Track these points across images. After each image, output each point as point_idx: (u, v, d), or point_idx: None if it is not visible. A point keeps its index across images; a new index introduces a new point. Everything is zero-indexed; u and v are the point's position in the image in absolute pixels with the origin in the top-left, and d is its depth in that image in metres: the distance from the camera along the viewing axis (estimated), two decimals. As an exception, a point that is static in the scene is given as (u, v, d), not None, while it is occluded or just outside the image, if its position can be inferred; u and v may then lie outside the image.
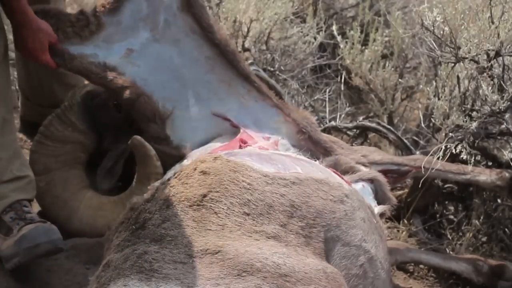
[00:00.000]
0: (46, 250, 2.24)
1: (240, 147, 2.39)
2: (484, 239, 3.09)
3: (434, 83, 3.08)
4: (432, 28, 2.84)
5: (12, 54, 2.85)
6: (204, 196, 1.91)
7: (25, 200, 2.38)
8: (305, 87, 4.05)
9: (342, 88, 4.04)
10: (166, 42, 2.60)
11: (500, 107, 2.71)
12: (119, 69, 2.54)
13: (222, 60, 2.59)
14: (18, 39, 2.41)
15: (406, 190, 3.21)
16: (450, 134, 2.83)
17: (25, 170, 2.42)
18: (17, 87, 3.09)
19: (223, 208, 1.88)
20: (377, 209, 2.43)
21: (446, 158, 2.78)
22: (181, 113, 2.59)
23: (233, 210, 1.89)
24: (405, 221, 3.14)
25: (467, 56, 2.75)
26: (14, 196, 2.35)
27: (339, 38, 3.88)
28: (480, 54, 2.73)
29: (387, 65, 3.72)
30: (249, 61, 3.63)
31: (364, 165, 2.62)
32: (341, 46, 3.85)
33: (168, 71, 2.60)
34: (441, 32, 2.84)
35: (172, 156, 2.53)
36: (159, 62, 2.60)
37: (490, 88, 2.72)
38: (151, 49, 2.60)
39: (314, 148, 2.58)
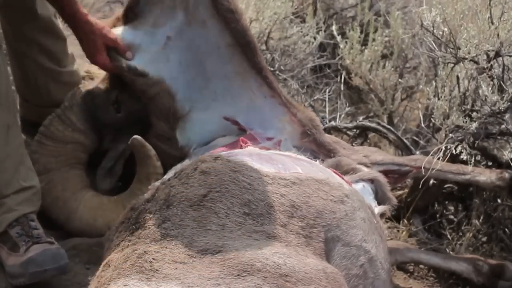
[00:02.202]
0: (52, 275, 2.26)
1: (241, 147, 2.39)
2: (484, 239, 3.09)
3: (434, 83, 3.08)
4: (432, 28, 2.84)
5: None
6: (205, 196, 1.91)
7: (31, 213, 2.37)
8: (305, 87, 4.05)
9: (342, 88, 4.04)
10: (196, 24, 2.50)
11: (500, 107, 2.71)
12: (152, 69, 2.53)
13: (240, 50, 2.51)
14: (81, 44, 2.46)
15: (406, 190, 3.21)
16: (450, 134, 2.82)
17: (32, 177, 2.41)
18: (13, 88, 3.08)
19: (223, 208, 1.88)
20: (377, 209, 2.43)
21: (446, 158, 2.78)
22: (195, 115, 2.59)
23: (233, 210, 1.89)
24: (405, 221, 3.14)
25: (466, 56, 2.75)
26: (21, 209, 2.33)
27: (339, 38, 3.88)
28: (479, 55, 2.72)
29: (387, 65, 3.72)
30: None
31: (366, 165, 2.62)
32: (341, 46, 3.85)
33: (195, 65, 2.55)
34: (441, 32, 2.84)
35: (173, 157, 2.53)
36: (189, 52, 2.54)
37: (490, 88, 2.72)
38: (185, 36, 2.53)
39: (317, 150, 2.58)
